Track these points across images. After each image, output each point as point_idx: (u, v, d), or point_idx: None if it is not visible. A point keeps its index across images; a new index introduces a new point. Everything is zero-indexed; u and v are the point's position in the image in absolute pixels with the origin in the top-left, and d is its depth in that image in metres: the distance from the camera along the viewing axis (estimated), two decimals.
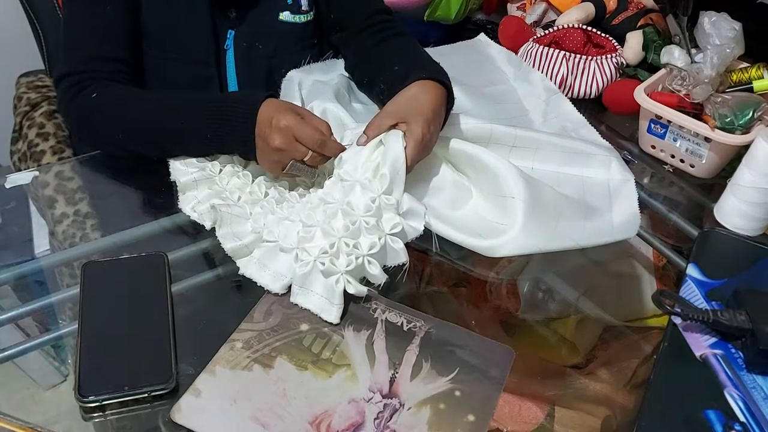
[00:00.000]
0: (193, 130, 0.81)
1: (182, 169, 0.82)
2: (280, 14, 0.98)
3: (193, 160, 0.83)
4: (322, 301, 0.70)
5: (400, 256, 0.74)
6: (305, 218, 0.74)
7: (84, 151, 0.96)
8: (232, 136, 0.79)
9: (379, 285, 0.72)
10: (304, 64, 1.01)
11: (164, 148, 0.83)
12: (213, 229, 0.77)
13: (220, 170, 0.83)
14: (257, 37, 0.97)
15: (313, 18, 1.01)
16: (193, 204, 0.80)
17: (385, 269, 0.73)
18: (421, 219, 0.77)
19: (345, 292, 0.70)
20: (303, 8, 0.99)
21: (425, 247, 0.78)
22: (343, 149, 0.79)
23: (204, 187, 0.81)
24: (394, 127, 0.79)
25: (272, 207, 0.78)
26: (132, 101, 0.85)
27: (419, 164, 0.81)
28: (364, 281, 0.72)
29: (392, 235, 0.73)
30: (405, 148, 0.76)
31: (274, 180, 0.83)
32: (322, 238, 0.72)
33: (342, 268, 0.70)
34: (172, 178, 0.82)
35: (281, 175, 0.80)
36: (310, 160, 0.77)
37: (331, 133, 0.80)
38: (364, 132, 0.80)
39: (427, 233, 0.78)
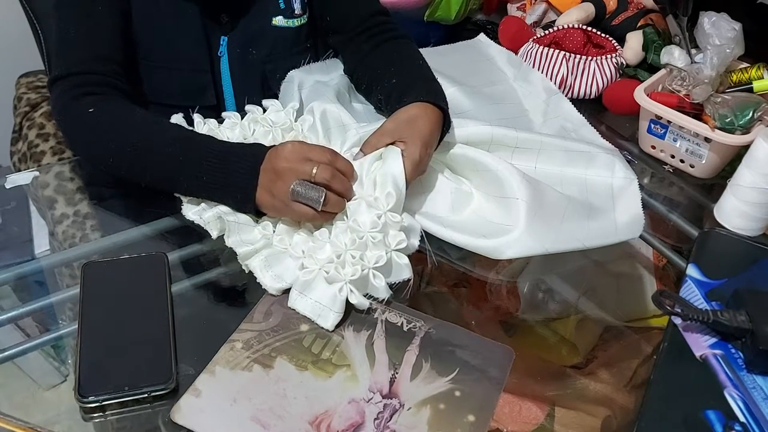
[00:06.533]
0: (190, 169, 0.76)
1: None
2: (273, 19, 0.97)
3: None
4: (319, 307, 0.70)
5: (404, 271, 0.73)
6: (318, 234, 0.75)
7: None
8: (231, 181, 0.75)
9: (383, 300, 0.72)
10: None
11: (154, 181, 0.78)
12: None
13: None
14: (251, 43, 0.97)
15: (307, 21, 1.01)
16: (197, 210, 0.78)
17: (390, 286, 0.73)
18: (417, 235, 0.77)
19: (346, 302, 0.70)
20: (296, 12, 0.99)
21: (424, 247, 0.78)
22: (352, 167, 0.77)
23: None
24: (391, 145, 0.79)
25: None
26: (129, 127, 0.80)
27: (417, 177, 0.82)
28: (368, 296, 0.72)
29: (397, 251, 0.73)
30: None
31: None
32: (329, 250, 0.73)
33: (347, 277, 0.70)
34: None
35: (289, 205, 0.74)
36: (319, 173, 0.72)
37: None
38: (360, 149, 0.81)
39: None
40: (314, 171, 0.72)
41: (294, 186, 0.72)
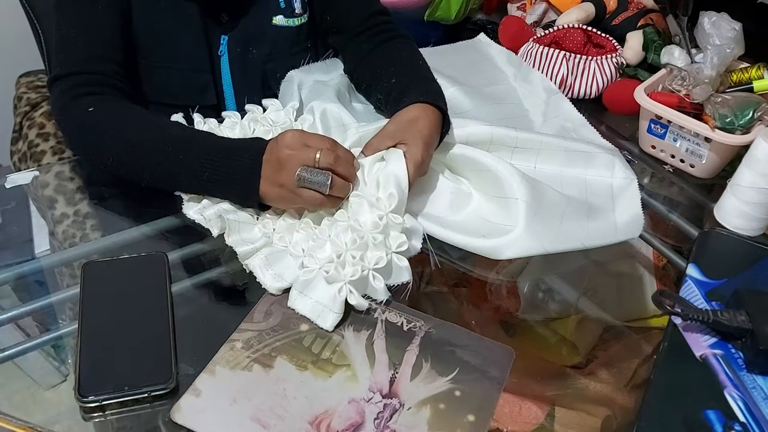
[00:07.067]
0: (190, 167, 0.76)
1: None
2: (274, 18, 0.97)
3: None
4: (319, 307, 0.70)
5: (404, 274, 0.73)
6: (319, 233, 0.75)
7: None
8: (233, 176, 0.75)
9: (382, 302, 0.72)
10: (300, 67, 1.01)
11: (155, 180, 0.78)
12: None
13: None
14: (251, 42, 0.97)
15: (307, 21, 1.01)
16: (197, 208, 0.78)
17: (388, 288, 0.73)
18: (419, 237, 0.77)
19: (346, 302, 0.70)
20: (296, 11, 0.99)
21: (426, 248, 0.78)
22: (352, 154, 0.78)
23: None
24: (393, 147, 0.79)
25: (278, 209, 0.78)
26: (129, 126, 0.80)
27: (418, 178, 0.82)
28: (366, 297, 0.72)
29: (398, 253, 0.73)
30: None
31: None
32: (330, 249, 0.73)
33: (347, 278, 0.70)
34: None
35: (296, 192, 0.74)
36: (322, 157, 0.73)
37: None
38: (362, 151, 0.81)
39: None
40: (317, 156, 0.73)
41: (300, 172, 0.72)
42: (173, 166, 0.76)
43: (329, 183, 0.73)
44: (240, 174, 0.75)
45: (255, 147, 0.75)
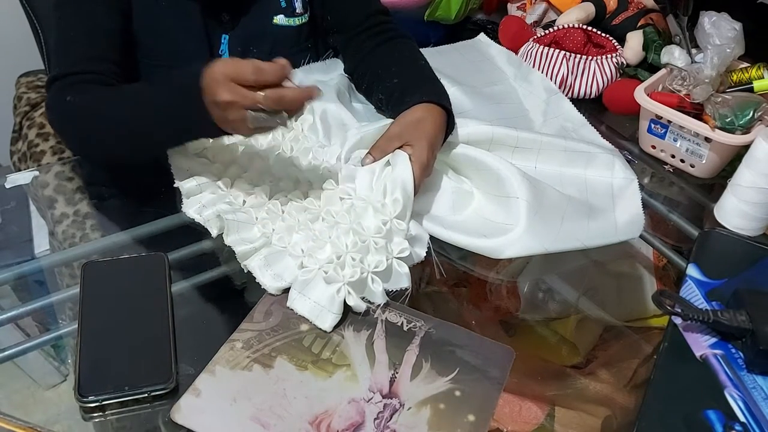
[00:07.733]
0: (158, 116, 0.75)
1: (185, 175, 0.81)
2: (274, 18, 0.97)
3: (195, 163, 0.83)
4: (317, 308, 0.70)
5: (403, 280, 0.73)
6: (319, 233, 0.75)
7: None
8: (190, 114, 0.72)
9: (379, 305, 0.72)
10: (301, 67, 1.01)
11: (136, 148, 0.78)
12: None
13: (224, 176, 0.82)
14: (251, 42, 0.97)
15: (308, 20, 1.01)
16: (197, 207, 0.78)
17: (387, 293, 0.72)
18: (424, 245, 0.77)
19: (345, 304, 0.70)
20: (297, 11, 0.99)
21: (434, 258, 0.78)
22: (279, 67, 0.69)
23: (208, 191, 0.80)
24: (398, 149, 0.79)
25: (278, 210, 0.78)
26: (102, 103, 0.80)
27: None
28: (364, 300, 0.72)
29: (399, 258, 0.73)
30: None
31: (278, 181, 0.83)
32: (330, 250, 0.73)
33: (346, 279, 0.70)
34: (176, 184, 0.81)
35: (252, 133, 0.71)
36: (264, 103, 0.67)
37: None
38: (369, 153, 0.80)
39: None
40: (260, 101, 0.67)
41: (252, 122, 0.68)
42: (141, 126, 0.76)
43: (286, 117, 0.69)
44: (192, 114, 0.71)
45: (192, 76, 0.70)
